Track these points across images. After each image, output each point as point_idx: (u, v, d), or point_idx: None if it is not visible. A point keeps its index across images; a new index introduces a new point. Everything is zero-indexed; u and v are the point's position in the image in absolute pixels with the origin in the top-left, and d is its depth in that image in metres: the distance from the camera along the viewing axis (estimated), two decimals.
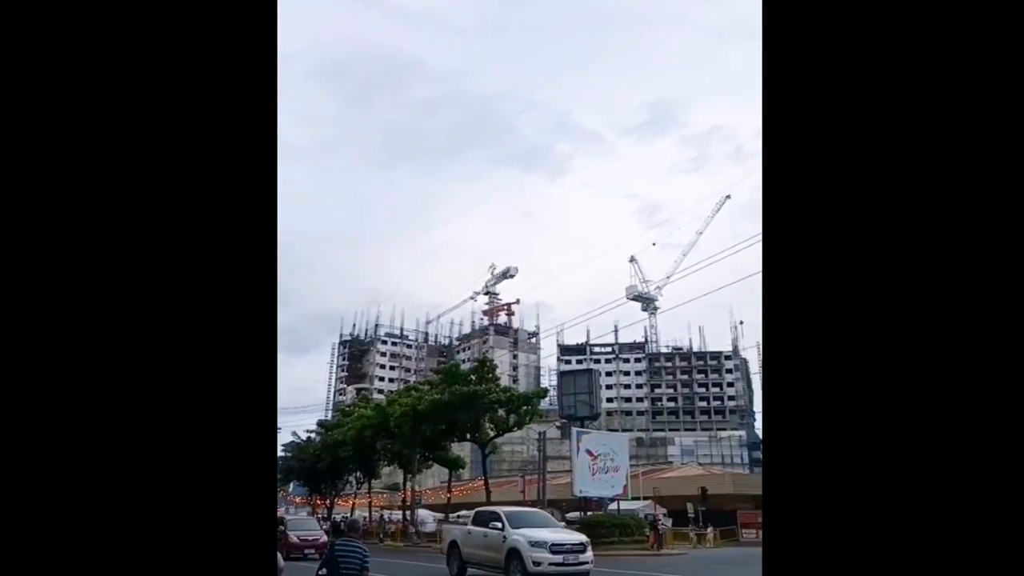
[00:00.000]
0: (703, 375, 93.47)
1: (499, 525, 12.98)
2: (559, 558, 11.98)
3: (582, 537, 13.46)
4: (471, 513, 15.95)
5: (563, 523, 19.35)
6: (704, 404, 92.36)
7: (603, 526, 23.81)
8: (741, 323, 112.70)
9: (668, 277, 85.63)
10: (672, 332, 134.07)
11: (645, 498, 31.64)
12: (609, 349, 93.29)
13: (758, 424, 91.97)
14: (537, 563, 11.81)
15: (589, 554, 12.61)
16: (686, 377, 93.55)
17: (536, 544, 12.07)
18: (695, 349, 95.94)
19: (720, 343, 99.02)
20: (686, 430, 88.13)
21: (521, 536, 12.41)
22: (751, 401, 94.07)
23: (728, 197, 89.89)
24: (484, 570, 13.46)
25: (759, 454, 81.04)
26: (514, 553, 12.18)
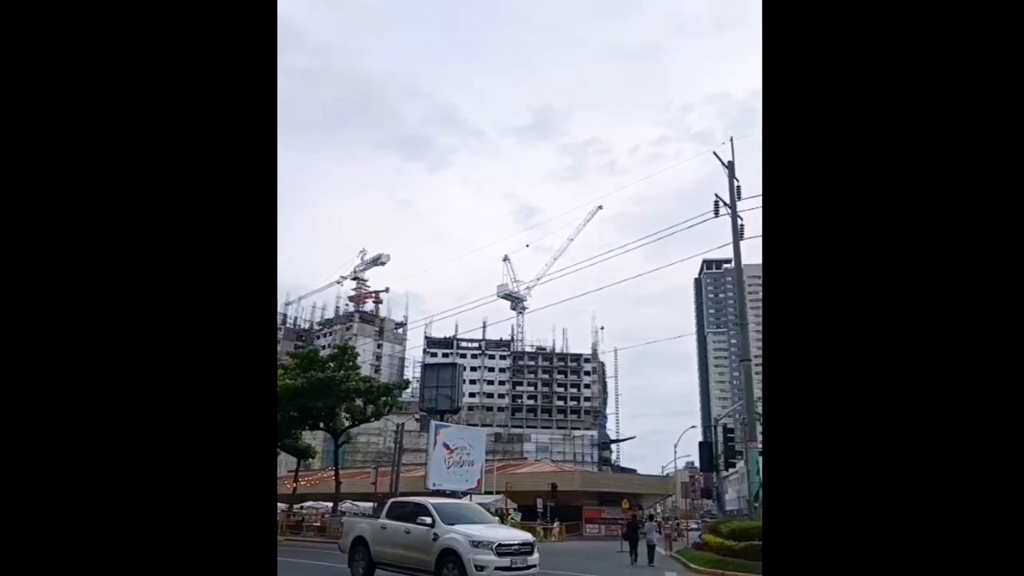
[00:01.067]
0: (563, 375, 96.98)
1: (428, 520, 10.64)
2: (506, 561, 10.01)
3: (528, 536, 11.52)
4: (385, 504, 13.17)
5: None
6: (561, 403, 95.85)
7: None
8: (602, 328, 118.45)
9: (538, 278, 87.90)
10: (537, 332, 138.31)
11: (498, 492, 32.05)
12: (476, 345, 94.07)
13: (609, 425, 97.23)
14: (481, 567, 9.71)
15: (536, 555, 10.80)
16: (547, 376, 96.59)
17: (479, 544, 9.98)
18: (557, 350, 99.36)
19: (581, 346, 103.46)
20: (543, 428, 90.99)
21: (458, 534, 10.22)
22: (605, 403, 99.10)
23: (600, 208, 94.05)
24: (402, 573, 11.07)
25: (607, 453, 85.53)
26: (449, 554, 10.07)
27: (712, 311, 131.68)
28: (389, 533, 11.38)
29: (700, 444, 26.19)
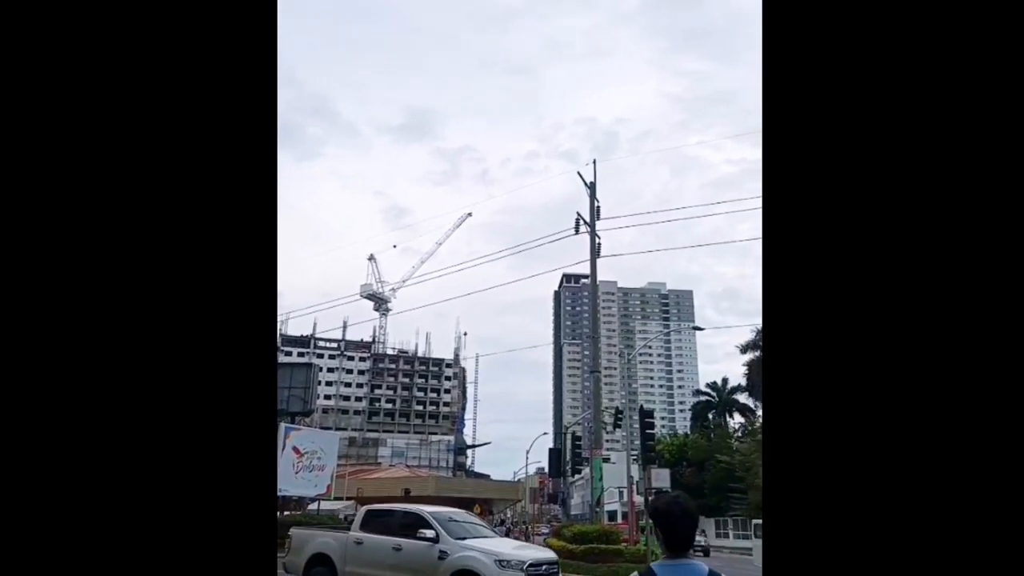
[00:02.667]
0: (423, 380, 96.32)
1: (430, 534, 8.45)
2: None
3: (552, 553, 9.91)
4: (356, 514, 10.19)
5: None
6: (420, 408, 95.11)
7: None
8: (465, 334, 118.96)
9: (404, 280, 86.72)
10: (400, 335, 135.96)
11: (348, 498, 31.24)
12: (335, 345, 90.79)
13: (467, 430, 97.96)
14: None
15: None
16: (407, 380, 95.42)
17: (506, 564, 7.96)
18: (419, 354, 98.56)
19: (444, 351, 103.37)
20: (399, 432, 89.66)
21: (477, 552, 8.13)
22: (464, 408, 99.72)
23: (469, 214, 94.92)
24: None
25: (462, 458, 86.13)
26: None
27: (569, 323, 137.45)
28: (368, 551, 8.85)
29: (550, 451, 27.29)
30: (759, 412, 49.04)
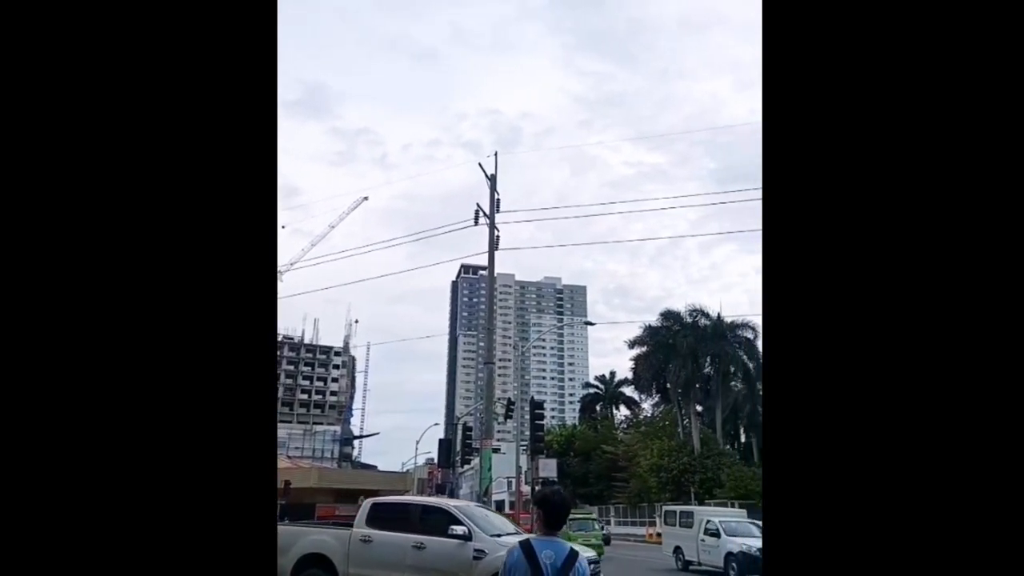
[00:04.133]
0: (310, 368, 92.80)
1: (461, 531, 7.43)
2: None
3: (592, 552, 9.04)
4: (361, 507, 8.62)
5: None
6: (305, 397, 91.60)
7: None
8: (356, 321, 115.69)
9: (292, 263, 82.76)
10: (287, 320, 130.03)
11: None
12: None
13: (355, 420, 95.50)
14: None
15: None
16: (292, 368, 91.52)
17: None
18: (307, 340, 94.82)
19: (333, 338, 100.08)
20: (283, 422, 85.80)
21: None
22: (352, 398, 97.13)
23: (366, 198, 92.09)
24: None
25: (349, 449, 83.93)
26: None
27: (465, 314, 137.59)
28: (380, 550, 7.67)
29: (441, 441, 27.00)
30: (644, 405, 51.25)
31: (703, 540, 17.33)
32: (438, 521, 7.76)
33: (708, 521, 17.74)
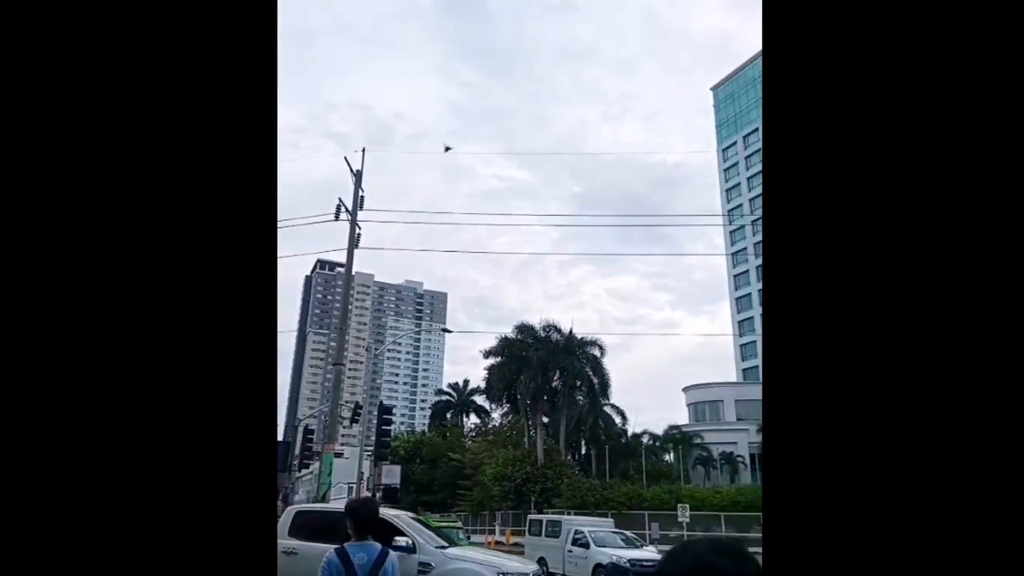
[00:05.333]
0: None
1: (404, 541, 6.72)
2: None
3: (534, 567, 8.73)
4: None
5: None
6: None
7: None
8: None
9: None
10: None
11: None
12: None
13: None
14: None
15: None
16: None
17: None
18: None
19: None
20: None
21: (472, 564, 6.49)
22: None
23: None
24: None
25: None
26: None
27: (318, 311, 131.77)
28: (305, 563, 6.61)
29: (279, 443, 25.42)
30: (494, 414, 52.00)
31: (571, 551, 16.65)
32: (380, 531, 7.00)
33: (576, 531, 17.12)
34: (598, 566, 15.49)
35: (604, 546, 16.16)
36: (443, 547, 7.48)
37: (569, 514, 26.75)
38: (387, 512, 8.18)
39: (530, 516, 22.79)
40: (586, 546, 16.27)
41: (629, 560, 15.11)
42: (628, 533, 19.89)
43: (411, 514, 9.27)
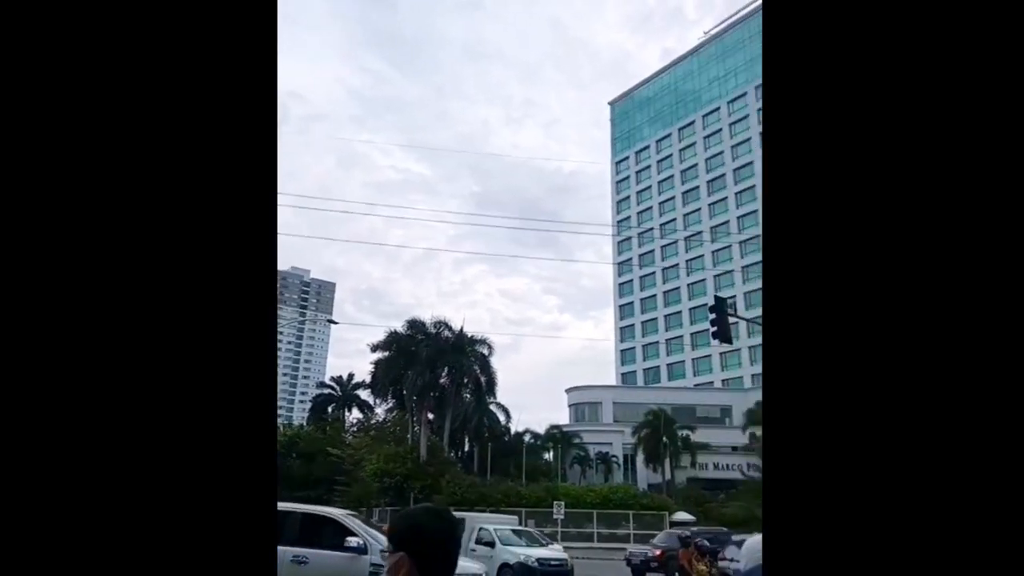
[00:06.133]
0: None
1: (355, 542, 6.52)
2: None
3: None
4: None
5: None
6: None
7: None
8: None
9: None
10: None
11: None
12: None
13: None
14: None
15: None
16: None
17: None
18: None
19: None
20: None
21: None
22: None
23: None
24: None
25: None
26: None
27: None
28: None
29: None
30: (378, 410, 51.08)
31: (474, 550, 15.53)
32: (324, 532, 7.05)
33: (482, 529, 16.22)
34: (504, 565, 14.97)
35: (511, 545, 15.60)
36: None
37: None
38: (333, 512, 8.13)
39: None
40: (491, 544, 15.57)
41: (537, 559, 14.70)
42: (534, 531, 19.71)
43: (354, 513, 9.11)
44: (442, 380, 40.85)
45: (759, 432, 39.15)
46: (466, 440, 47.23)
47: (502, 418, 45.21)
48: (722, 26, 71.20)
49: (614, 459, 45.91)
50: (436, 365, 39.71)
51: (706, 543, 11.16)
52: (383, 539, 7.47)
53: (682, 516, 31.37)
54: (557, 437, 46.21)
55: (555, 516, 27.72)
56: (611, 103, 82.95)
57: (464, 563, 8.02)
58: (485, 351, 40.91)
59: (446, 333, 41.00)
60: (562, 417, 54.35)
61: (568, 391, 56.47)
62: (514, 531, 16.87)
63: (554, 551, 16.41)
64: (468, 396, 42.96)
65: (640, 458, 42.62)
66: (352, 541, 7.09)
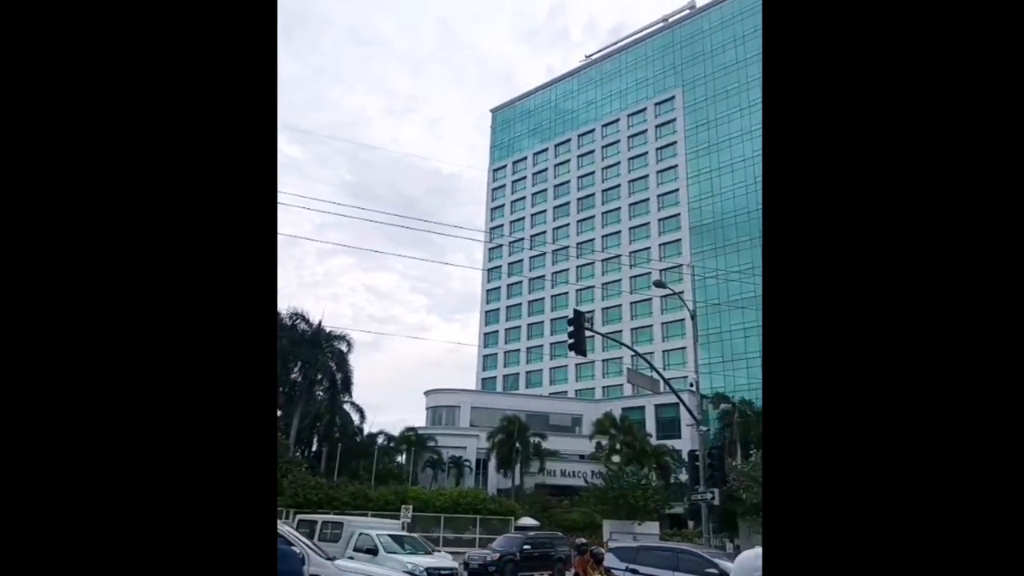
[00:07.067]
0: None
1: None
2: None
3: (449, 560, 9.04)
4: None
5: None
6: None
7: None
8: None
9: None
10: None
11: None
12: None
13: None
14: None
15: None
16: None
17: None
18: None
19: None
20: None
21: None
22: None
23: None
24: None
25: None
26: None
27: None
28: None
29: None
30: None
31: (352, 557, 13.42)
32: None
33: (362, 534, 14.65)
34: None
35: (395, 552, 14.13)
36: (331, 559, 7.73)
37: (288, 515, 25.05)
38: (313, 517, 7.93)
39: (300, 516, 19.38)
40: (374, 552, 13.91)
41: (426, 569, 13.41)
42: (418, 537, 18.36)
43: (284, 521, 9.15)
44: (293, 375, 38.88)
45: (604, 441, 41.29)
46: (315, 440, 45.25)
47: (356, 418, 43.87)
48: (602, 53, 74.80)
49: (467, 463, 46.18)
50: (289, 359, 37.71)
51: (598, 549, 11.12)
52: (321, 549, 7.97)
53: (527, 521, 32.18)
54: (412, 439, 45.64)
55: (402, 519, 27.28)
56: (493, 110, 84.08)
57: (438, 558, 8.42)
58: (344, 347, 39.55)
59: (303, 326, 39.12)
60: (420, 419, 53.83)
61: (427, 394, 56.10)
62: (393, 537, 15.38)
63: (442, 559, 15.35)
64: (321, 394, 41.21)
65: (493, 463, 43.20)
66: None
